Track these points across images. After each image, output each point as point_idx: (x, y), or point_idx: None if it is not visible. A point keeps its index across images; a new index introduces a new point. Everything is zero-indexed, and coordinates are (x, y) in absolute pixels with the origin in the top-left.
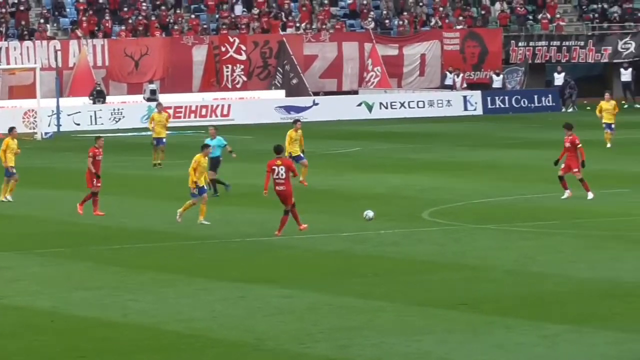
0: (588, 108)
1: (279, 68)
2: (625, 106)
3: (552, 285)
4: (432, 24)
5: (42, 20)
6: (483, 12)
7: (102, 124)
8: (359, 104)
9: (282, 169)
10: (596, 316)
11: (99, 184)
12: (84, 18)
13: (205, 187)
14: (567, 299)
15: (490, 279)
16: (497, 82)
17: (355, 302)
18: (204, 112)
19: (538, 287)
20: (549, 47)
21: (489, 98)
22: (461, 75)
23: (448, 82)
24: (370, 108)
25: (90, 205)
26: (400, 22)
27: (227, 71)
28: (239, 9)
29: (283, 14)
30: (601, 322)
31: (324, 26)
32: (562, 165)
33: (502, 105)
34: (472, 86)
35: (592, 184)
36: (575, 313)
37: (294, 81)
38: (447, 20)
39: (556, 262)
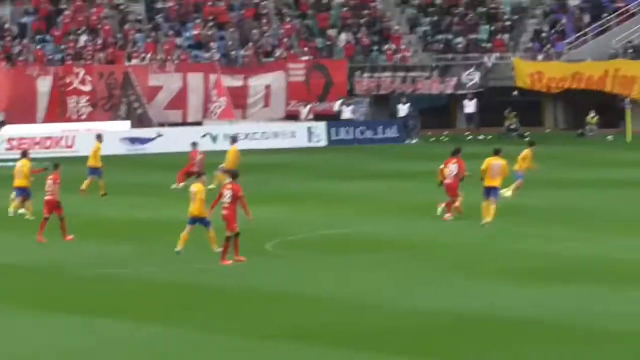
0: (432, 139)
1: (123, 99)
2: (469, 137)
3: (396, 317)
4: (277, 55)
5: None
6: (328, 42)
7: None
8: (204, 135)
9: (228, 193)
10: (440, 348)
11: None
12: None
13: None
14: (410, 332)
15: (333, 312)
16: (346, 112)
17: (195, 334)
18: (48, 143)
19: (382, 319)
20: (394, 78)
21: (333, 129)
22: (308, 106)
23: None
24: (214, 139)
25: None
26: (246, 53)
27: (72, 102)
28: (83, 39)
29: (128, 44)
30: (445, 354)
31: (169, 57)
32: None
33: (347, 137)
34: (318, 117)
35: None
36: (419, 345)
37: (139, 112)
38: (292, 51)
39: (399, 294)
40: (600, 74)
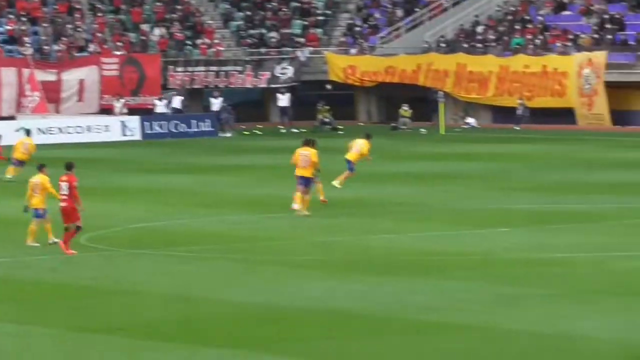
0: (246, 133)
1: None
2: (283, 131)
3: (210, 309)
4: (90, 49)
5: None
6: (142, 37)
7: None
8: (18, 129)
9: (65, 185)
10: (253, 339)
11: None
12: None
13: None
14: (224, 323)
15: (147, 304)
16: (160, 107)
17: (10, 327)
18: None
19: (195, 311)
20: (207, 72)
21: (147, 123)
22: (122, 100)
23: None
24: (28, 133)
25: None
26: (59, 48)
27: None
28: None
29: None
30: (258, 345)
31: None
32: None
33: (161, 130)
34: (133, 111)
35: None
36: (233, 337)
37: None
38: (105, 46)
39: (213, 286)
40: (413, 68)
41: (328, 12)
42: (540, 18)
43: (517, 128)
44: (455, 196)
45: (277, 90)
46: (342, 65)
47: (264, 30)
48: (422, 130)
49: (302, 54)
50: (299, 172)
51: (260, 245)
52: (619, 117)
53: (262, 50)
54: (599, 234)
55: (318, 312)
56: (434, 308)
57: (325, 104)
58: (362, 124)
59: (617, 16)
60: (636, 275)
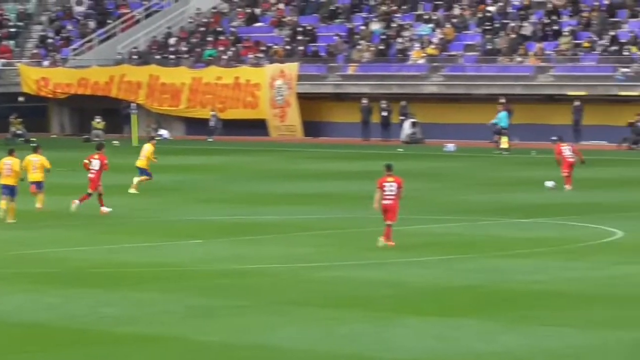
0: None
1: None
2: None
3: None
4: None
5: None
6: None
7: None
8: None
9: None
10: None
11: None
12: None
13: None
14: None
15: None
16: None
17: None
18: None
19: None
20: None
21: None
22: None
23: None
24: None
25: None
26: None
27: None
28: None
29: None
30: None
31: None
32: None
33: None
34: None
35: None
36: None
37: None
38: None
39: None
40: (106, 80)
41: (20, 23)
42: (232, 29)
43: (211, 140)
44: (149, 208)
45: None
46: (35, 77)
47: None
48: (115, 142)
49: None
50: (4, 180)
51: None
52: (312, 128)
53: None
54: (292, 245)
55: (12, 325)
56: (128, 319)
57: (18, 116)
58: (54, 136)
59: (309, 28)
60: (330, 286)
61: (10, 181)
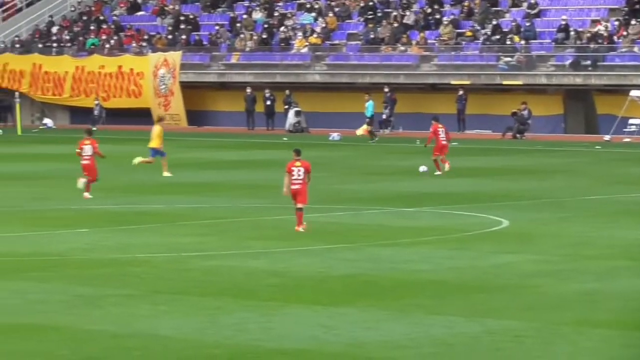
0: None
1: None
2: None
3: None
4: None
5: None
6: None
7: None
8: None
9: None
10: None
11: None
12: None
13: None
14: None
15: None
16: None
17: None
18: None
19: None
20: None
21: None
22: None
23: None
24: None
25: None
26: None
27: None
28: None
29: None
30: None
31: None
32: None
33: None
34: None
35: None
36: None
37: None
38: None
39: None
40: None
41: None
42: (115, 18)
43: (95, 128)
44: (32, 197)
45: None
46: None
47: None
48: None
49: None
50: None
51: None
52: (196, 117)
53: None
54: (176, 234)
55: None
56: (9, 310)
57: None
58: None
59: (192, 16)
60: (212, 275)
61: None
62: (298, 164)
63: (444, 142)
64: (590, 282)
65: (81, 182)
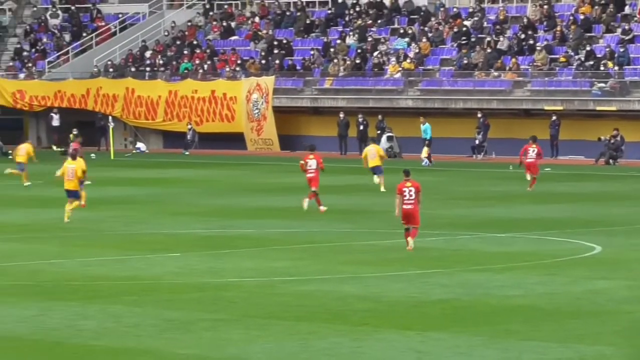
0: None
1: None
2: None
3: None
4: None
5: None
6: None
7: None
8: None
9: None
10: None
11: None
12: None
13: None
14: None
15: None
16: None
17: None
18: None
19: None
20: None
21: None
22: None
23: None
24: None
25: None
26: None
27: None
28: None
29: None
30: None
31: None
32: None
33: None
34: None
35: None
36: None
37: None
38: None
39: None
40: (82, 92)
41: None
42: (209, 43)
43: (187, 153)
44: (125, 221)
45: None
46: (11, 89)
47: None
48: (92, 155)
49: None
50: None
51: None
52: (288, 142)
53: None
54: (268, 258)
55: None
56: (104, 333)
57: None
58: None
59: (285, 41)
60: (304, 299)
61: None
62: (409, 184)
63: (529, 161)
64: None
65: (306, 202)
